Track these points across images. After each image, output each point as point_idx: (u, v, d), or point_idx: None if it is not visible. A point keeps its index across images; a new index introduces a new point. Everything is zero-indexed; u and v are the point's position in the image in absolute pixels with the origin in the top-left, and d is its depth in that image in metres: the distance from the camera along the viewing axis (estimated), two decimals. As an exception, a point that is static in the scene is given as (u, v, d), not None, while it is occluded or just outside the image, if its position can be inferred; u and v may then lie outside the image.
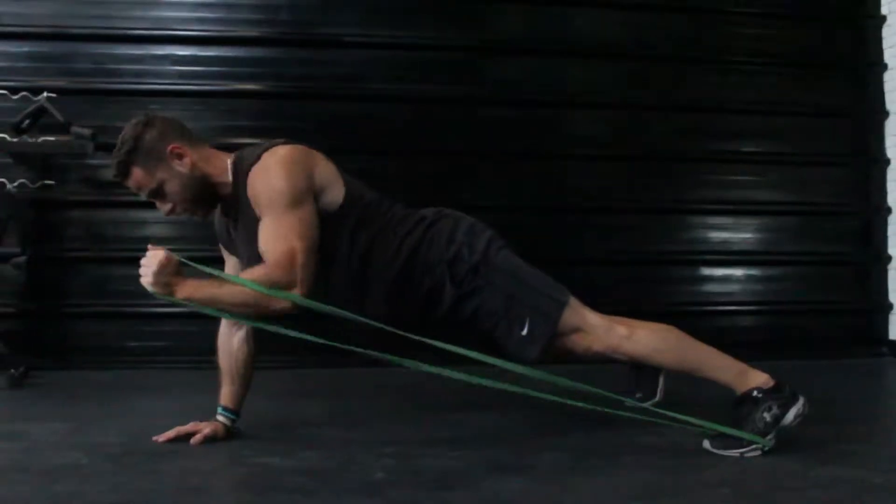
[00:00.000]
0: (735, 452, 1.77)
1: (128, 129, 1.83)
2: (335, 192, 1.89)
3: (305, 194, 1.80)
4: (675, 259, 4.03)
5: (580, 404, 1.82)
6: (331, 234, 1.86)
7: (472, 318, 1.95)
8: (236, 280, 1.73)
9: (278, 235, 1.76)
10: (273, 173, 1.79)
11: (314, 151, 1.91)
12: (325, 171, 1.89)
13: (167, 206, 1.86)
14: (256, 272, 1.74)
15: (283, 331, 1.81)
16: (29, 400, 2.74)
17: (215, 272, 1.76)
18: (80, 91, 3.57)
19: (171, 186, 1.83)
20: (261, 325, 1.83)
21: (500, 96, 3.91)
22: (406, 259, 1.93)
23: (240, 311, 1.77)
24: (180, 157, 1.83)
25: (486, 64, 3.96)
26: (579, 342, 1.92)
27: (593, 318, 1.92)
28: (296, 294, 1.73)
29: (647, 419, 1.87)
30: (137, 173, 1.82)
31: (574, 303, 1.94)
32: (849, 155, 4.20)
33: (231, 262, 2.06)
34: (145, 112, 1.91)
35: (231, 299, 1.72)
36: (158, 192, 1.84)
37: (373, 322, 1.82)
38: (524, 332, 1.89)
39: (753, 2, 4.13)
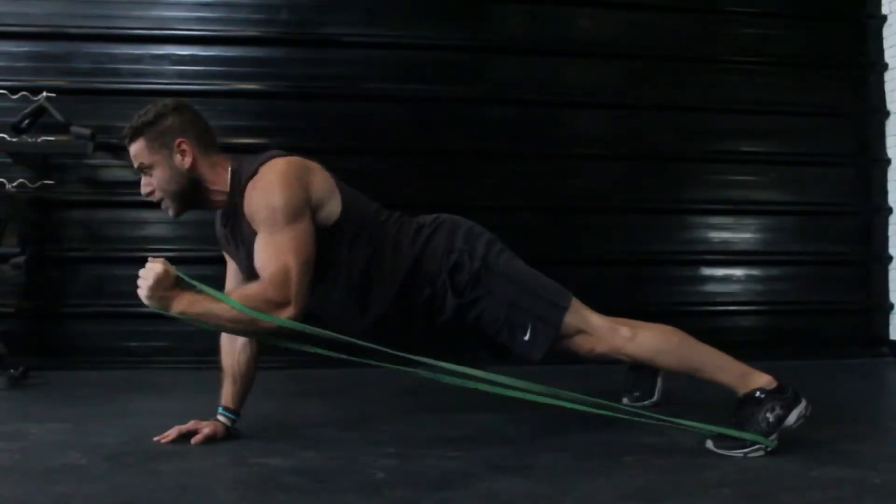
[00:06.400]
0: (739, 453, 1.77)
1: (159, 105, 1.89)
2: (332, 206, 1.88)
3: (302, 210, 1.80)
4: (675, 259, 4.02)
5: (584, 409, 1.81)
6: (329, 248, 1.86)
7: (474, 324, 1.97)
8: (228, 301, 1.73)
9: (274, 252, 1.77)
10: (271, 189, 1.79)
11: (311, 164, 1.90)
12: (322, 185, 1.87)
13: (148, 188, 1.90)
14: (251, 289, 1.76)
15: (308, 348, 1.85)
16: (29, 400, 2.73)
17: (209, 290, 1.75)
18: (80, 91, 3.57)
19: (160, 173, 1.87)
20: (265, 340, 1.86)
21: (500, 96, 3.90)
22: (408, 271, 1.94)
23: (233, 328, 1.79)
24: (183, 153, 1.86)
25: (486, 64, 3.96)
26: (583, 344, 1.93)
27: (596, 320, 1.93)
28: (285, 317, 1.73)
29: (647, 421, 1.86)
30: (140, 144, 1.87)
31: (576, 305, 1.94)
32: (849, 155, 4.20)
33: (232, 266, 2.07)
34: (183, 100, 1.96)
35: (224, 314, 1.73)
36: (147, 171, 1.89)
37: (364, 342, 1.80)
38: (527, 337, 1.91)
39: (754, 2, 4.13)
